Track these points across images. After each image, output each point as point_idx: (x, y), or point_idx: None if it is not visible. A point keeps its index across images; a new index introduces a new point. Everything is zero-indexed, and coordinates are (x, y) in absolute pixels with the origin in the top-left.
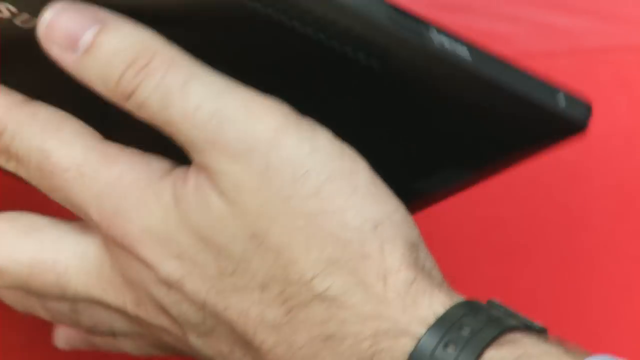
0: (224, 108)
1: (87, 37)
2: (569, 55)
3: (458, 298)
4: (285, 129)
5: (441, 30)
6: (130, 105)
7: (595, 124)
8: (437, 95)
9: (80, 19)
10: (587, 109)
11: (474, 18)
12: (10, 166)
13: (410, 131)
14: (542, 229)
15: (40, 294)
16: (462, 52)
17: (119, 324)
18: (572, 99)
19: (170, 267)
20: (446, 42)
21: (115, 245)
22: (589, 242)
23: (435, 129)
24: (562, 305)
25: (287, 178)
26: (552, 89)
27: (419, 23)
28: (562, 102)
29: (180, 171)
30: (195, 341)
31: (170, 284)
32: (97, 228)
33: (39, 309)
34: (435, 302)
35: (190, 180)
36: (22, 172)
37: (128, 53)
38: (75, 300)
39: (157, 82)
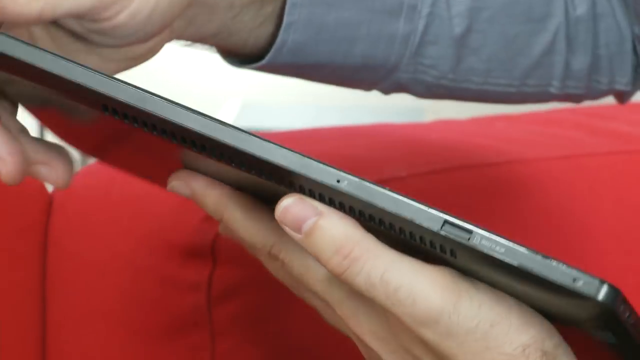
0: (415, 288)
1: (308, 224)
2: None
3: None
4: (458, 297)
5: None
6: (340, 279)
7: None
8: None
9: (304, 210)
10: (610, 290)
11: (617, 124)
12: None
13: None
14: None
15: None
16: (499, 248)
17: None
18: (592, 280)
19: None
20: (485, 240)
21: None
22: None
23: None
24: None
25: (462, 331)
26: (572, 273)
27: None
28: (579, 282)
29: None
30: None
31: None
32: (383, 306)
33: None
34: None
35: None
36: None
37: (334, 242)
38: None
39: (359, 270)
